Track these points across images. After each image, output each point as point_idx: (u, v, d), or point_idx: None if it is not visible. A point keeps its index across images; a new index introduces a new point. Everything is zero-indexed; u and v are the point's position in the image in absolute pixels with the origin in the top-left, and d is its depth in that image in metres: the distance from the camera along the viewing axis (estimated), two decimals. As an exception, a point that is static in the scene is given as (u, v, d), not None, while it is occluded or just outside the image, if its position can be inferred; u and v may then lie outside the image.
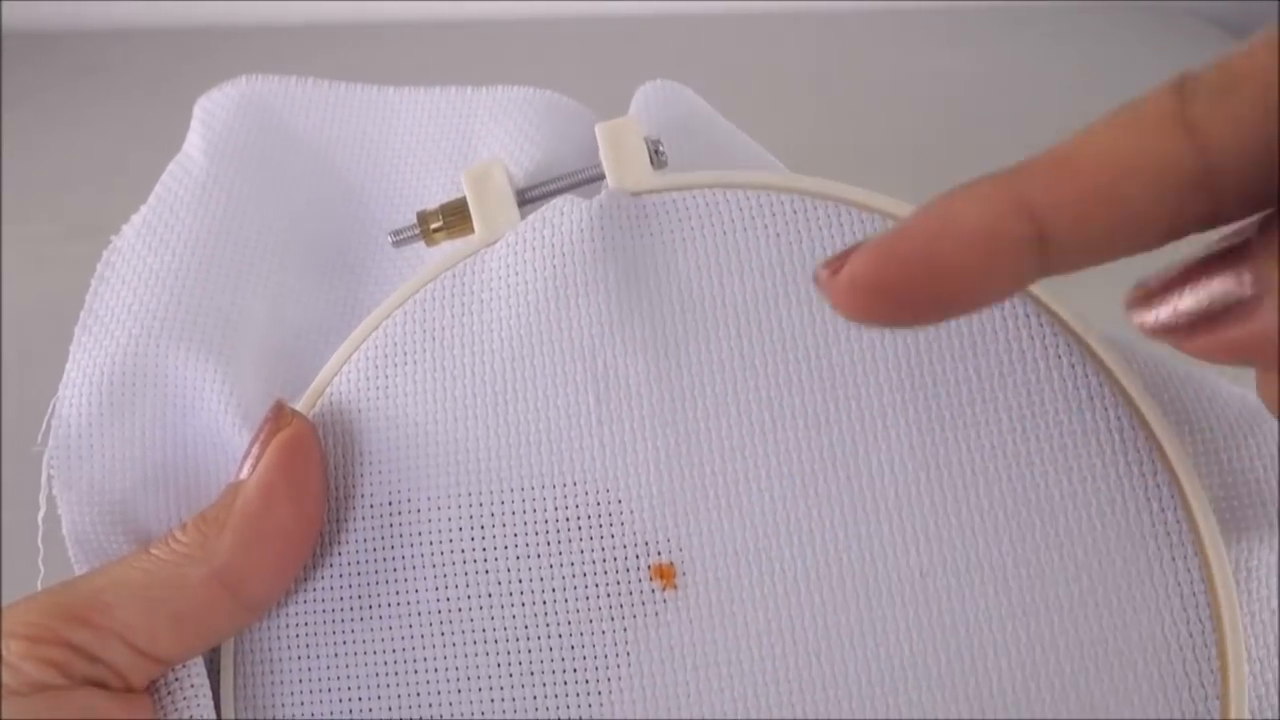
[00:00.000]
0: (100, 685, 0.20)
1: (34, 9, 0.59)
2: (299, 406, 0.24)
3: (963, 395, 0.22)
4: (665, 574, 0.22)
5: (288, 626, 0.22)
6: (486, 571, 0.22)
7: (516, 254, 0.24)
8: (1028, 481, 0.21)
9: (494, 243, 0.24)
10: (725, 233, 0.23)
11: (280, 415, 0.22)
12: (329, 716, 0.22)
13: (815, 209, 0.23)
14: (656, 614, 0.21)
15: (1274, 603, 0.22)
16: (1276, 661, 0.21)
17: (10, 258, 0.45)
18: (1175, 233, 0.15)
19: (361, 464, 0.23)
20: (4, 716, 0.18)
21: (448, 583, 0.22)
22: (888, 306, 0.16)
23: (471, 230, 0.24)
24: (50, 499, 0.23)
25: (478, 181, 0.24)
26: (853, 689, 0.21)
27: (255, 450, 0.22)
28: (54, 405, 0.24)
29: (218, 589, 0.21)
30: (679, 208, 0.24)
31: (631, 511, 0.22)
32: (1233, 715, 0.20)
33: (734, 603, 0.21)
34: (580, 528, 0.22)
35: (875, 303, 0.16)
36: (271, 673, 0.22)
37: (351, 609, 0.22)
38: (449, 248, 0.25)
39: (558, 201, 0.24)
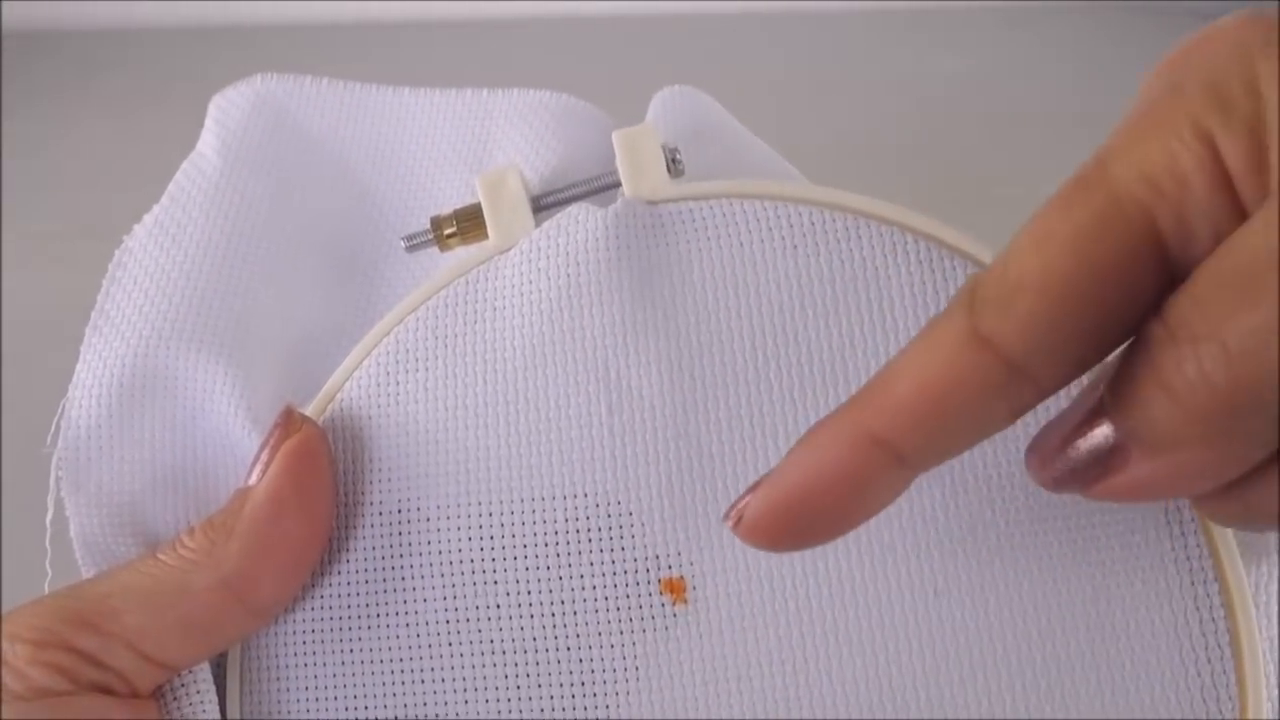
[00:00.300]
0: (106, 691, 0.20)
1: (34, 9, 0.59)
2: (309, 411, 0.23)
3: None
4: (675, 588, 0.21)
5: (295, 633, 0.22)
6: (495, 582, 0.22)
7: (531, 262, 0.23)
8: (1046, 503, 0.21)
9: (508, 249, 0.24)
10: (742, 244, 0.23)
11: (290, 421, 0.22)
12: None
13: (833, 221, 0.23)
14: (666, 628, 0.21)
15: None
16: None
17: (11, 258, 0.45)
18: (1017, 414, 0.16)
19: (371, 471, 0.23)
20: None
21: (456, 592, 0.22)
22: (790, 541, 0.18)
23: (485, 236, 0.24)
24: (58, 501, 0.23)
25: (492, 188, 0.24)
26: (864, 707, 0.21)
27: (264, 456, 0.22)
28: (63, 406, 0.24)
29: (225, 596, 0.21)
30: (695, 218, 0.23)
31: (642, 524, 0.22)
32: None
33: (744, 619, 0.21)
34: (590, 540, 0.22)
35: (777, 540, 0.18)
36: (278, 679, 0.22)
37: (359, 616, 0.22)
38: (463, 253, 0.25)
39: (573, 209, 0.24)
